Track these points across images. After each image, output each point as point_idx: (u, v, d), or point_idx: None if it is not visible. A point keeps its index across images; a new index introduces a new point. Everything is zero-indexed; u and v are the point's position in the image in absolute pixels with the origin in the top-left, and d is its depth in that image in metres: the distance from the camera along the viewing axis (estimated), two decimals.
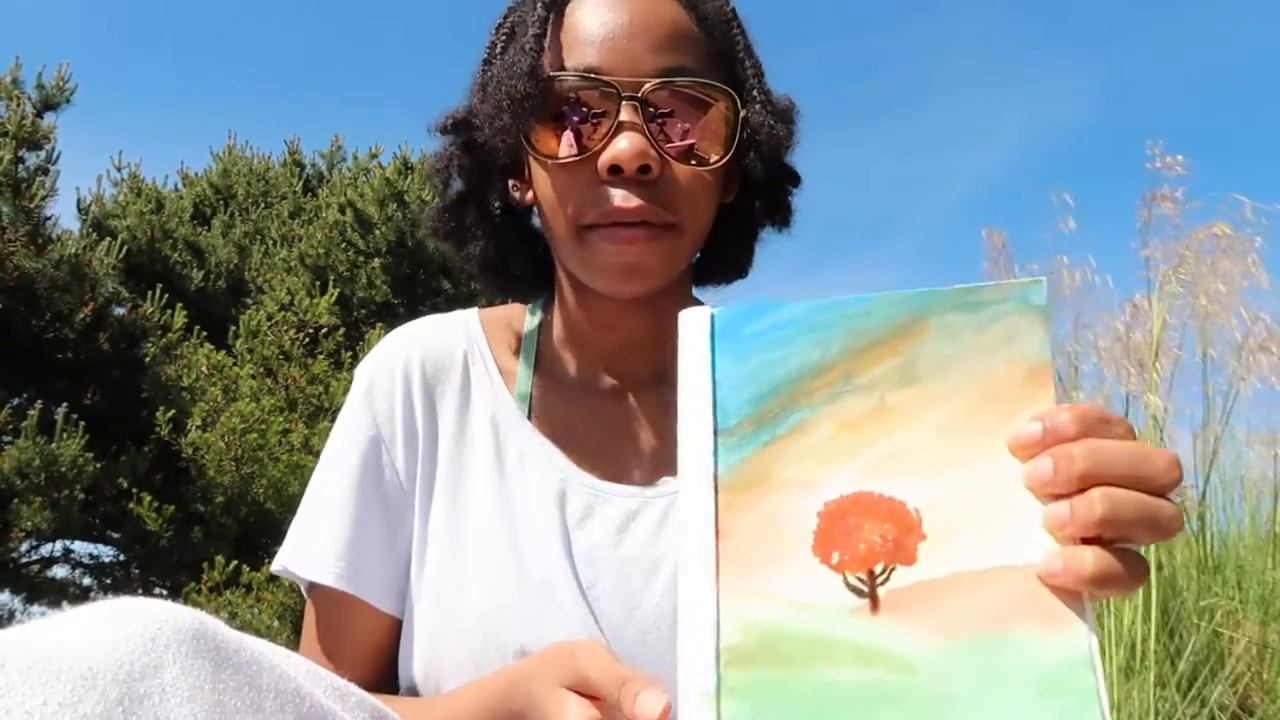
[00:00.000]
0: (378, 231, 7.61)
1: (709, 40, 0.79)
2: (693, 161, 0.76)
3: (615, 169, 0.73)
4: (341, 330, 6.73)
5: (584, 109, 0.75)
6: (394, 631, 0.83)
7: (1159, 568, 2.61)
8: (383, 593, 0.82)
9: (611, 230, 0.74)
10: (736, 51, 0.82)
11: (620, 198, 0.73)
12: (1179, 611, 2.63)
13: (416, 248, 7.73)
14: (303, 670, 0.56)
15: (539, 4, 0.78)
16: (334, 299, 6.95)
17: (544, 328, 0.90)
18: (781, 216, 0.88)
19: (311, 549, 0.82)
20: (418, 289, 7.94)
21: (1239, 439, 3.16)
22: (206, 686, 0.47)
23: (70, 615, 0.48)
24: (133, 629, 0.47)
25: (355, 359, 6.63)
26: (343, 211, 7.63)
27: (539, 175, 0.79)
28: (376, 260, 7.67)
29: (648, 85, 0.74)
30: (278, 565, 0.84)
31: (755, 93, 0.81)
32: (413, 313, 7.66)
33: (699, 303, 0.92)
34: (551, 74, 0.75)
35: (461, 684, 0.75)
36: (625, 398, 0.86)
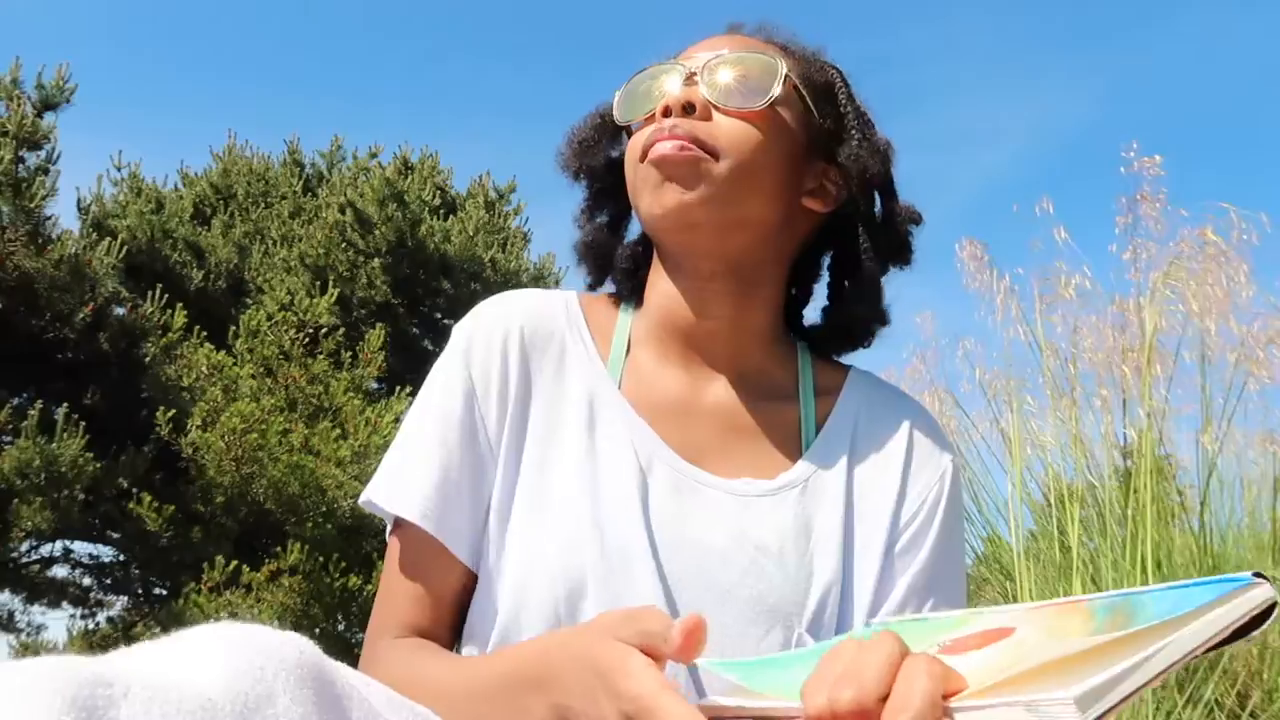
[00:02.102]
0: (378, 231, 7.61)
1: (793, 65, 0.87)
2: (736, 105, 0.84)
3: (667, 112, 0.83)
4: (341, 330, 6.73)
5: (660, 84, 0.87)
6: (466, 582, 0.86)
7: (1159, 567, 2.61)
8: (462, 540, 0.84)
9: (655, 150, 0.83)
10: (828, 85, 0.89)
11: (666, 126, 0.83)
12: None
13: (416, 248, 7.73)
14: (383, 699, 0.57)
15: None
16: (334, 299, 6.95)
17: (638, 318, 0.95)
18: (898, 253, 0.92)
19: (399, 486, 0.85)
20: (418, 289, 7.94)
21: (1238, 439, 3.16)
22: (314, 717, 0.48)
23: (175, 641, 0.49)
24: (242, 657, 0.47)
25: (355, 359, 6.63)
26: (343, 211, 7.63)
27: (628, 148, 0.89)
28: (376, 260, 7.67)
29: (705, 56, 0.86)
30: (364, 498, 0.87)
31: (846, 114, 0.89)
32: (413, 313, 7.60)
33: (788, 340, 0.95)
34: (639, 70, 0.89)
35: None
36: (708, 393, 0.90)
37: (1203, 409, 3.03)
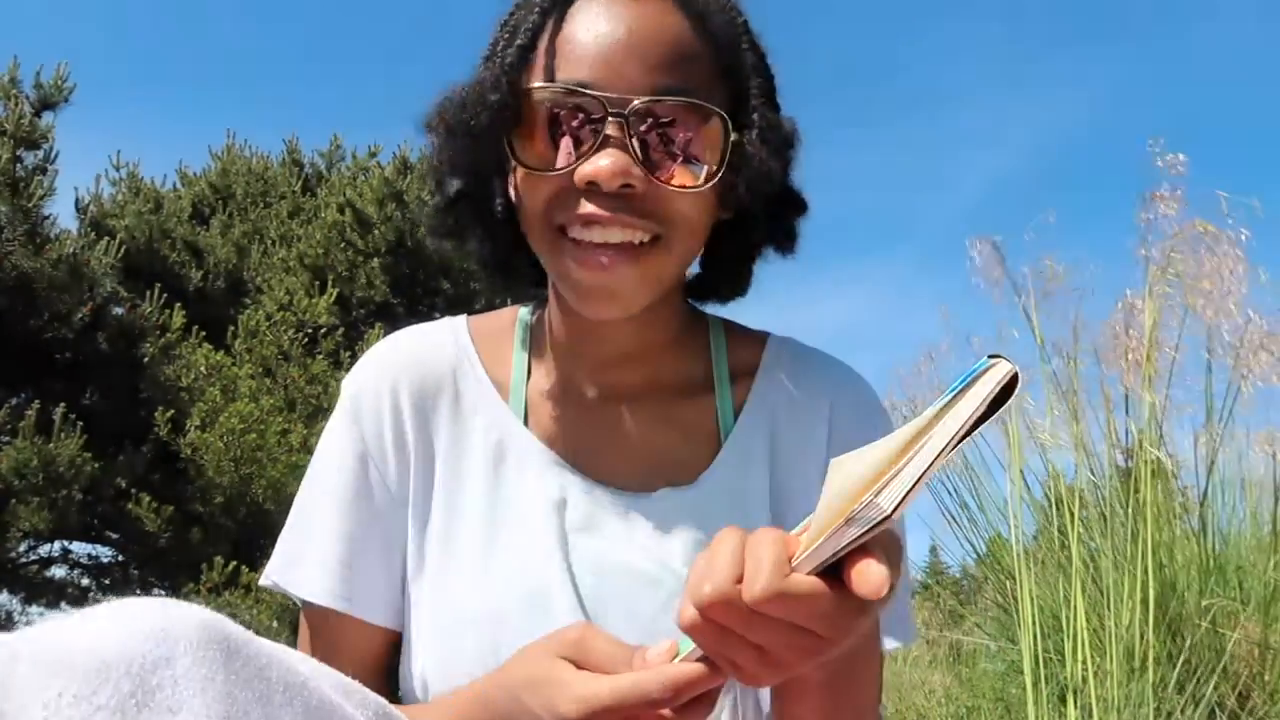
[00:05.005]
0: (377, 231, 7.60)
1: (713, 56, 0.77)
2: (678, 180, 0.73)
3: (593, 185, 0.71)
4: (340, 330, 6.72)
5: (571, 122, 0.73)
6: (388, 644, 0.84)
7: (1160, 567, 2.60)
8: (377, 608, 0.82)
9: (585, 250, 0.73)
10: (743, 69, 0.79)
11: (594, 205, 0.72)
12: (1180, 611, 2.62)
13: (416, 248, 7.72)
14: (309, 667, 0.56)
15: (537, 9, 0.76)
16: (333, 299, 6.94)
17: (536, 335, 0.89)
18: (786, 242, 0.86)
19: (304, 567, 0.82)
20: (417, 289, 7.93)
21: (1239, 439, 3.15)
22: (218, 678, 0.48)
23: (80, 614, 0.49)
24: (143, 623, 0.48)
25: (354, 359, 6.59)
26: (341, 211, 7.62)
27: (522, 181, 0.77)
28: (375, 260, 7.66)
29: (636, 102, 0.71)
30: (267, 579, 0.84)
31: (755, 115, 0.78)
32: (412, 313, 7.61)
33: (696, 314, 0.91)
34: (541, 84, 0.73)
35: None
36: (618, 406, 0.85)
37: (1205, 408, 3.03)
